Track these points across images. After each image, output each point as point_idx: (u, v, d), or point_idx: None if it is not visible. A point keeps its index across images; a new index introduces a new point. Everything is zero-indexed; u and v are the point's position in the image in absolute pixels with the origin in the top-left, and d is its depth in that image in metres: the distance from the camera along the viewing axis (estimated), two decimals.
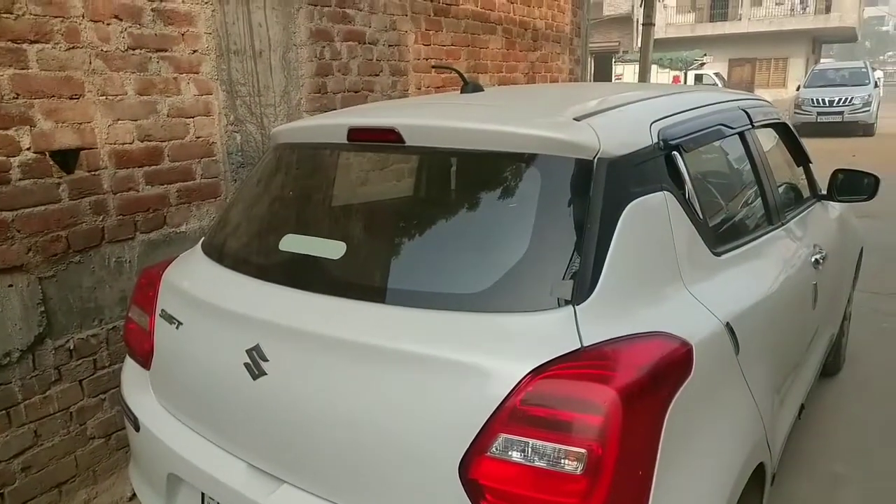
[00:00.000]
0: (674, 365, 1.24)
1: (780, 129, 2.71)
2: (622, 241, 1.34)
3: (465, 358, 1.22)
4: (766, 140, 2.82)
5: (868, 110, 14.70)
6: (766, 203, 2.13)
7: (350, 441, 1.31)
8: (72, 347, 2.34)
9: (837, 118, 14.70)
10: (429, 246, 1.50)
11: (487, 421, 1.17)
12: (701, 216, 1.63)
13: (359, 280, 1.49)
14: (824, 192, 2.87)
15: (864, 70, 16.03)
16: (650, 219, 1.44)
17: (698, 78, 20.78)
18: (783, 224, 2.22)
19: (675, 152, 1.60)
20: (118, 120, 2.38)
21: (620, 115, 1.64)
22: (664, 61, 21.18)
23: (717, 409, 1.36)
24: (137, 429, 1.78)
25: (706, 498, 1.26)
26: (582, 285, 1.27)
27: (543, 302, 1.27)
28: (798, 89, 16.36)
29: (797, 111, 15.26)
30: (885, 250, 5.94)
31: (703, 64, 22.42)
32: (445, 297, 1.35)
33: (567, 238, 1.32)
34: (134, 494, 2.52)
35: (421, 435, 1.23)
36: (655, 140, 1.56)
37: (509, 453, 1.16)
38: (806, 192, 2.88)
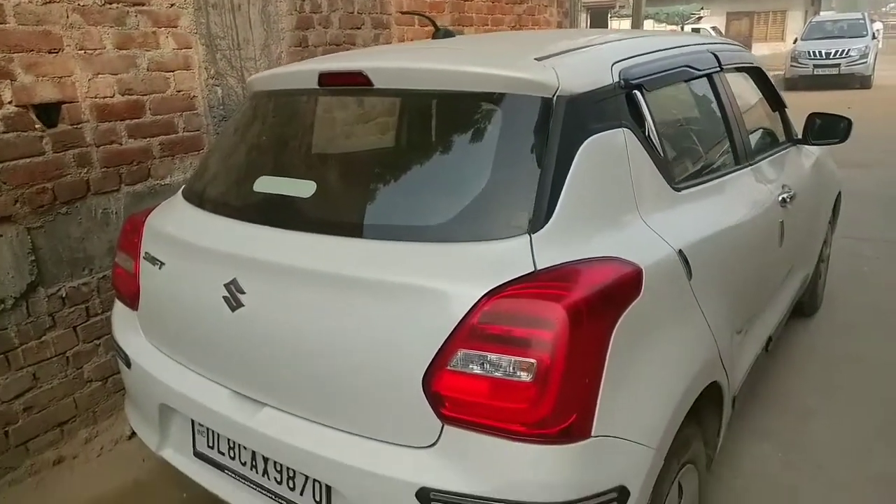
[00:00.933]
0: (623, 286, 1.32)
1: (754, 73, 2.75)
2: (578, 174, 1.41)
3: (429, 283, 1.30)
4: (746, 86, 2.86)
5: (865, 62, 14.57)
6: (732, 144, 2.19)
7: (324, 364, 1.40)
8: (64, 295, 2.42)
9: (834, 70, 14.58)
10: (395, 182, 1.57)
11: (448, 338, 1.25)
12: (661, 152, 1.69)
13: (329, 216, 1.56)
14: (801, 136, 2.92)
15: (861, 21, 15.83)
16: (607, 154, 1.51)
17: (695, 32, 20.52)
18: (751, 164, 2.28)
19: (635, 91, 1.65)
20: (98, 74, 2.42)
21: (582, 55, 1.69)
22: (660, 15, 20.90)
23: (667, 328, 1.44)
24: (129, 366, 1.87)
25: (653, 405, 1.35)
26: (538, 215, 1.34)
27: (502, 231, 1.34)
28: (795, 42, 16.18)
29: (794, 64, 15.12)
30: (871, 199, 6.01)
31: (699, 18, 22.12)
32: (411, 229, 1.42)
33: (525, 172, 1.39)
34: (133, 433, 2.65)
35: (389, 354, 1.32)
36: (616, 79, 1.61)
37: (468, 367, 1.24)
38: (782, 137, 2.93)
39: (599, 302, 1.25)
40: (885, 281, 4.14)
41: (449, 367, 1.26)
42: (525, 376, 1.20)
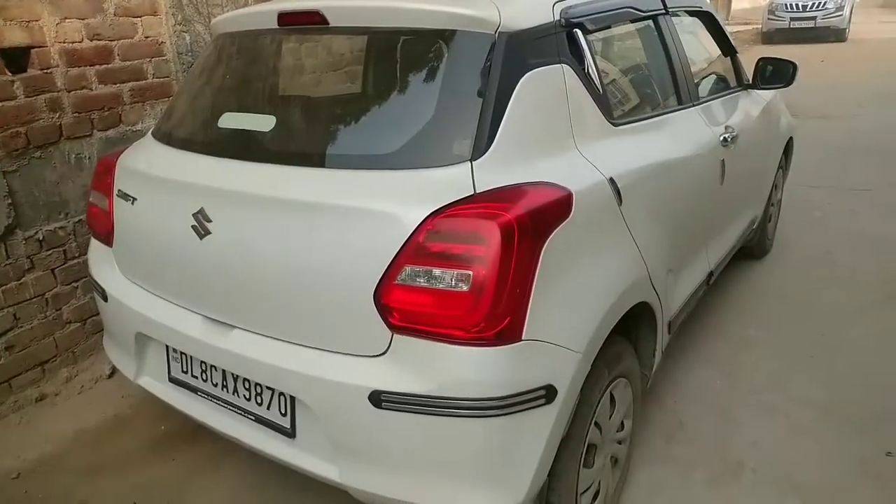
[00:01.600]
0: (553, 208, 1.46)
1: (705, 18, 2.86)
2: (517, 106, 1.53)
3: (380, 206, 1.43)
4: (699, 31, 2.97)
5: (840, 15, 14.64)
6: (675, 84, 2.32)
7: (286, 284, 1.53)
8: (41, 238, 2.52)
9: (810, 23, 14.64)
10: (349, 115, 1.69)
11: (396, 256, 1.39)
12: (600, 89, 1.81)
13: (289, 148, 1.68)
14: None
15: None
16: (546, 88, 1.63)
17: None
18: (694, 105, 2.41)
19: (576, 30, 1.76)
20: (66, 18, 2.47)
21: None
22: None
23: (595, 248, 1.59)
24: (106, 299, 1.99)
25: (579, 315, 1.51)
26: (479, 144, 1.47)
27: (445, 158, 1.47)
28: None
29: (770, 17, 15.14)
30: (829, 149, 6.20)
31: None
32: (364, 158, 1.54)
33: (468, 103, 1.51)
34: (112, 372, 2.78)
35: (344, 273, 1.45)
36: (557, 18, 1.72)
37: (414, 281, 1.38)
38: (732, 82, 3.06)
39: (530, 221, 1.39)
40: (836, 227, 4.35)
41: (397, 282, 1.39)
42: (464, 287, 1.34)
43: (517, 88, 1.54)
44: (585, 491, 1.74)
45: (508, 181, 1.45)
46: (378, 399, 1.42)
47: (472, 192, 1.40)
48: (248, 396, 1.70)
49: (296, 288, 1.52)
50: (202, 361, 1.77)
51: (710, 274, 2.60)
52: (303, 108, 1.82)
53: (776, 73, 2.96)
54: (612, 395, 1.79)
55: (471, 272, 1.34)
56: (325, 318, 1.50)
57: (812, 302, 3.32)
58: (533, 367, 1.40)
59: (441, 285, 1.37)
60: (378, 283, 1.41)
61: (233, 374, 1.71)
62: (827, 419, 2.42)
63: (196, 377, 1.81)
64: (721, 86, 2.92)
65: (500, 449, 1.41)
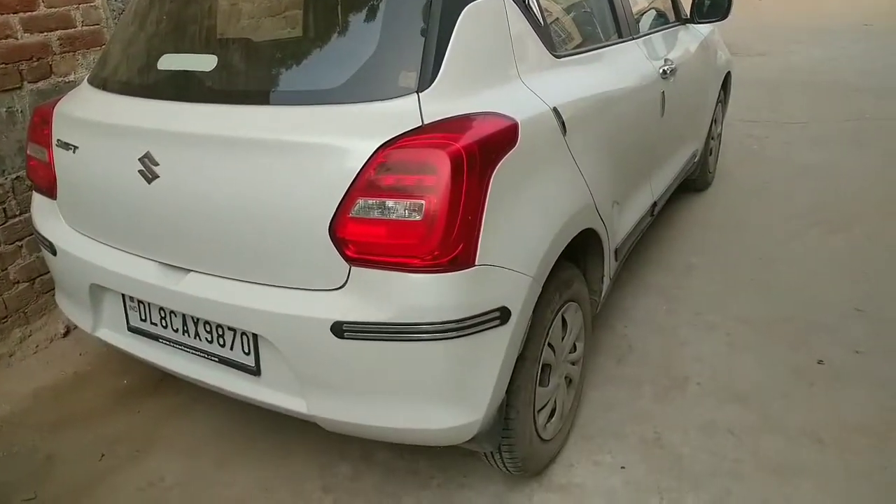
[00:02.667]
0: (500, 137, 1.50)
1: None
2: (461, 38, 1.55)
3: (329, 140, 1.44)
4: None
5: None
6: (615, 18, 2.36)
7: (239, 224, 1.54)
8: None
9: None
10: (292, 52, 1.67)
11: (348, 190, 1.41)
12: (542, 21, 1.84)
13: (233, 86, 1.67)
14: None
15: None
16: (488, 20, 1.65)
17: None
18: (634, 39, 2.46)
19: None
20: None
21: None
22: None
23: (542, 176, 1.64)
24: (55, 253, 1.96)
25: (529, 240, 1.57)
26: (424, 76, 1.48)
27: (392, 91, 1.48)
28: None
29: None
30: (766, 84, 6.40)
31: None
32: (310, 93, 1.54)
33: (412, 35, 1.52)
34: (67, 330, 2.75)
35: (297, 209, 1.47)
36: None
37: (368, 213, 1.42)
38: (671, 18, 3.12)
39: (479, 150, 1.43)
40: (773, 158, 4.53)
41: (351, 215, 1.42)
42: (416, 217, 1.38)
43: (460, 19, 1.56)
44: (542, 408, 1.84)
45: (455, 112, 1.48)
46: (340, 329, 1.46)
47: (420, 123, 1.43)
48: (210, 339, 1.72)
49: (249, 227, 1.53)
50: (161, 308, 1.77)
51: (654, 204, 2.70)
52: (244, 48, 1.79)
53: (712, 7, 3.03)
54: (563, 318, 1.88)
55: (423, 202, 1.38)
56: (281, 255, 1.52)
57: (750, 229, 3.49)
58: (487, 290, 1.46)
59: (394, 216, 1.40)
60: (332, 218, 1.43)
61: (193, 318, 1.72)
62: (763, 334, 2.59)
63: (156, 324, 1.82)
64: (660, 21, 2.97)
65: (460, 369, 1.48)
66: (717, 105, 3.72)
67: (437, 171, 1.37)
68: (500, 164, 1.48)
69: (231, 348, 1.69)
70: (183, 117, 1.61)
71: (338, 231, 1.44)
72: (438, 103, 1.48)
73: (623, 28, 2.39)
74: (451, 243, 1.39)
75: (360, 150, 1.41)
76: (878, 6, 10.79)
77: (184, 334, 1.77)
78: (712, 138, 3.80)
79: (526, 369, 1.67)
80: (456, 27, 1.54)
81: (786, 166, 4.35)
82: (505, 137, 1.52)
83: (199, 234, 1.61)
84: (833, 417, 2.13)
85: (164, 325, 1.80)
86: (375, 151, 1.40)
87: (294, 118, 1.50)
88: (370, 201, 1.41)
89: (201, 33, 1.88)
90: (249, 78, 1.67)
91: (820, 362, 2.42)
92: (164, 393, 2.37)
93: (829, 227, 3.45)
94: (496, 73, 1.65)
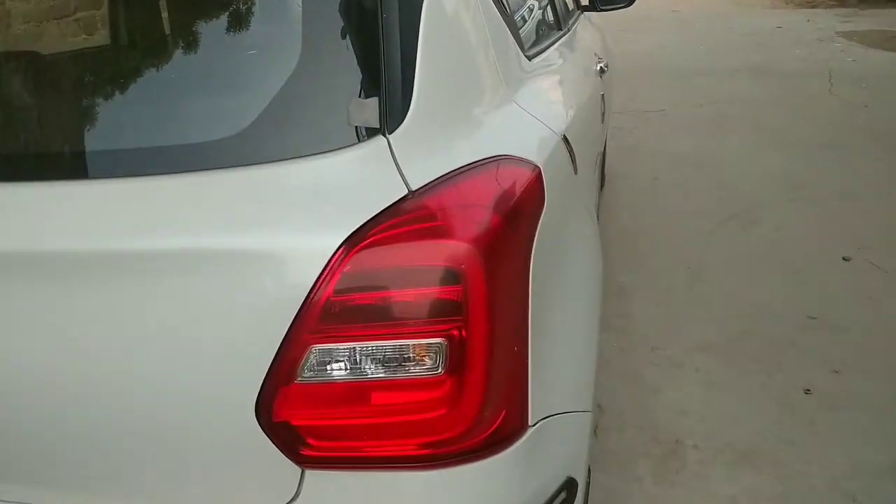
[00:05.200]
0: (528, 197, 0.91)
1: None
2: (431, 37, 0.92)
3: (237, 242, 0.76)
4: None
5: None
6: (553, 5, 1.84)
7: (93, 421, 0.80)
8: None
9: None
10: (148, 83, 0.92)
11: (288, 332, 0.74)
12: (508, 9, 1.26)
13: (41, 150, 0.89)
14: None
15: None
16: (459, 9, 1.03)
17: None
18: (568, 31, 1.97)
19: None
20: None
21: None
22: None
23: (571, 243, 1.08)
24: None
25: (580, 347, 1.01)
26: (392, 105, 0.84)
27: (340, 137, 0.82)
28: None
29: None
30: (613, 74, 6.37)
31: None
32: (185, 150, 0.83)
33: (358, 39, 0.87)
34: None
35: (196, 382, 0.77)
36: None
37: (328, 370, 0.76)
38: (571, 4, 2.69)
39: (509, 224, 0.83)
40: (648, 149, 4.38)
41: (299, 380, 0.75)
42: (429, 366, 0.75)
43: (424, 11, 0.92)
44: None
45: (452, 162, 0.86)
46: None
47: (405, 192, 0.79)
48: None
49: (110, 425, 0.81)
50: None
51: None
52: (35, 75, 1.00)
53: None
54: None
55: (441, 339, 0.75)
56: (184, 464, 0.81)
57: (664, 234, 3.22)
58: (546, 461, 0.87)
59: (381, 372, 0.76)
60: (262, 389, 0.76)
61: None
62: (731, 364, 2.26)
63: None
64: (568, 8, 2.53)
65: None
66: None
67: (461, 275, 0.75)
68: (535, 239, 0.88)
69: None
70: None
71: (274, 413, 0.76)
72: (422, 150, 0.84)
73: (562, 15, 1.88)
74: (492, 405, 0.78)
75: (305, 254, 0.75)
76: None
77: None
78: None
79: None
80: (422, 22, 0.91)
81: (665, 158, 4.20)
82: (533, 196, 0.92)
83: (57, 445, 0.84)
84: (855, 463, 1.82)
85: None
86: (336, 252, 0.74)
87: (161, 201, 0.79)
88: (333, 348, 0.75)
89: None
90: (77, 132, 0.89)
91: (807, 391, 2.12)
92: None
93: (740, 223, 3.27)
94: (485, 90, 1.03)
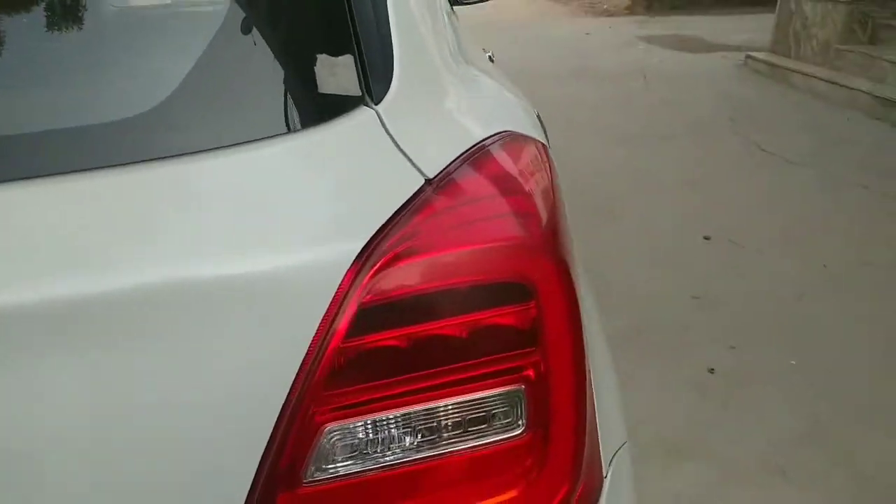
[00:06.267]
0: (552, 176, 0.71)
1: None
2: None
3: (168, 273, 0.47)
4: None
5: None
6: None
7: None
8: None
9: None
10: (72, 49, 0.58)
11: (283, 411, 0.48)
12: None
13: None
14: None
15: None
16: None
17: None
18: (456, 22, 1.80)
19: None
20: None
21: None
22: None
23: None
24: None
25: (612, 371, 0.82)
26: (372, 66, 0.60)
27: (321, 109, 0.57)
28: None
29: None
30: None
31: None
32: (95, 132, 0.52)
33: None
34: None
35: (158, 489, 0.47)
36: None
37: (353, 460, 0.50)
38: None
39: (553, 216, 0.62)
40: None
41: (307, 481, 0.49)
42: (504, 426, 0.52)
43: None
44: None
45: (454, 142, 0.63)
46: None
47: (422, 181, 0.55)
48: None
49: None
50: None
51: None
52: None
53: None
54: None
55: (518, 386, 0.52)
56: None
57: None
58: None
59: (438, 450, 0.52)
60: (254, 486, 0.48)
61: None
62: (634, 349, 2.23)
63: None
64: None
65: None
66: None
67: (536, 292, 0.53)
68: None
69: None
70: None
71: None
72: (414, 121, 0.61)
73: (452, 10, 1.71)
74: (582, 461, 0.57)
75: (300, 282, 0.49)
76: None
77: None
78: None
79: None
80: None
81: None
82: (553, 177, 0.73)
83: None
84: (775, 438, 1.85)
85: None
86: (344, 278, 0.49)
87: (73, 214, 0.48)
88: (356, 426, 0.50)
89: None
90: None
91: (711, 370, 2.15)
92: None
93: (604, 217, 3.32)
94: (456, 56, 0.82)
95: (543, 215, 0.58)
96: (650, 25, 8.89)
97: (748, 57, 6.41)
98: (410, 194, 0.54)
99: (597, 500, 0.60)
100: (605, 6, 10.72)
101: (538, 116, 0.96)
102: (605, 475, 0.63)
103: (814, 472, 1.74)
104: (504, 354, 0.52)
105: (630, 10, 10.36)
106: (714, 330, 2.35)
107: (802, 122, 4.74)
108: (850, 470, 1.74)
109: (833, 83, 5.25)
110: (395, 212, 0.52)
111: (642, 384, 2.07)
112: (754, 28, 7.60)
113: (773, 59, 6.14)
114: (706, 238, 3.02)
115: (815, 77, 5.48)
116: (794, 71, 5.77)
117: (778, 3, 6.43)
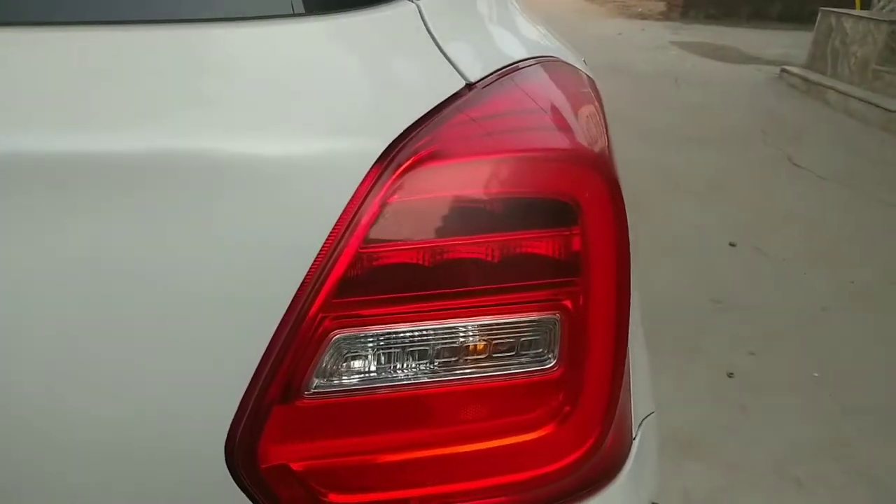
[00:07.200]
0: (602, 107, 0.65)
1: None
2: None
3: (181, 144, 0.42)
4: None
5: None
6: None
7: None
8: None
9: None
10: None
11: (289, 313, 0.42)
12: None
13: None
14: None
15: None
16: None
17: None
18: None
19: None
20: None
21: None
22: None
23: None
24: None
25: (640, 332, 0.76)
26: None
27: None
28: None
29: None
30: None
31: None
32: None
33: None
34: None
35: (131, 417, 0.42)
36: None
37: (360, 374, 0.44)
38: None
39: (606, 144, 0.56)
40: None
41: (308, 393, 0.43)
42: (533, 358, 0.46)
43: None
44: None
45: (494, 53, 0.58)
46: None
47: (462, 84, 0.49)
48: None
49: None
50: None
51: None
52: None
53: None
54: None
55: (552, 313, 0.46)
56: None
57: None
58: (644, 485, 0.60)
59: (459, 374, 0.46)
60: (237, 415, 0.43)
61: None
62: (653, 353, 2.16)
63: None
64: None
65: None
66: None
67: (582, 216, 0.47)
68: None
69: None
70: None
71: (263, 450, 0.43)
72: (455, 24, 0.55)
73: None
74: (612, 407, 0.51)
75: (318, 173, 0.43)
76: None
77: None
78: None
79: None
80: None
81: None
82: (603, 110, 0.67)
83: None
84: (792, 447, 1.78)
85: None
86: (368, 174, 0.43)
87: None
88: (367, 336, 0.44)
89: None
90: None
91: (730, 375, 2.08)
92: None
93: (629, 213, 3.24)
94: None
95: (594, 133, 0.52)
96: (683, 32, 8.77)
97: (783, 71, 6.29)
98: (448, 94, 0.48)
99: (624, 461, 0.53)
100: (639, 9, 10.60)
101: (584, 62, 0.90)
102: (633, 437, 0.56)
103: (831, 484, 1.66)
104: (540, 281, 0.46)
105: (665, 16, 10.24)
106: (734, 335, 2.27)
107: (836, 140, 4.62)
108: (868, 484, 1.66)
109: (869, 103, 5.12)
110: (431, 111, 0.46)
111: (658, 383, 2.00)
112: (790, 44, 7.48)
113: (809, 75, 6.02)
114: (731, 244, 2.94)
115: (851, 96, 5.36)
116: (829, 88, 5.64)
117: (818, 18, 6.30)
